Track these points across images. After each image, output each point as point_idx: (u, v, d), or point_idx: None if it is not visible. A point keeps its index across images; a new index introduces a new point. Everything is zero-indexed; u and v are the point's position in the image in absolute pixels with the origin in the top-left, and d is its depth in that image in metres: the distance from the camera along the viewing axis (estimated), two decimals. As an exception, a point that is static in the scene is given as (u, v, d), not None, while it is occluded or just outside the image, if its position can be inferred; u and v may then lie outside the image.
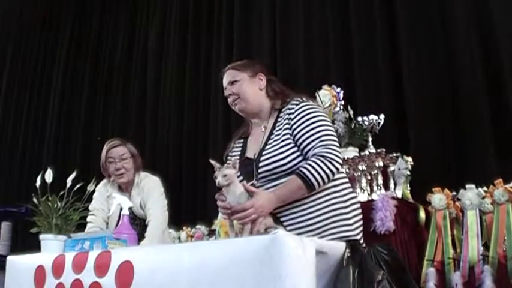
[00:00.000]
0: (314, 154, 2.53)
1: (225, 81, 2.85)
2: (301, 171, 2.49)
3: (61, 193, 2.99)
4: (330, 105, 4.36)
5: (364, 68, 5.10)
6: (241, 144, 2.88)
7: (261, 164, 2.62)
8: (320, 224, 2.53)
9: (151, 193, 3.68)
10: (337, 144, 2.60)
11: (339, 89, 4.51)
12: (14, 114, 8.82)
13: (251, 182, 2.62)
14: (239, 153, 2.84)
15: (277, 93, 2.81)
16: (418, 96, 4.65)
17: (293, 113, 2.65)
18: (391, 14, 5.05)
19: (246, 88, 2.78)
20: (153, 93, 7.09)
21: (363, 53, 5.14)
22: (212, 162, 2.50)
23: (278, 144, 2.62)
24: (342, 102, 4.48)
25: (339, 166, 2.54)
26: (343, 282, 2.05)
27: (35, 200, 3.00)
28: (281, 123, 2.68)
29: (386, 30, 5.05)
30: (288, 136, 2.62)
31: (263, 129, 2.78)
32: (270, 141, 2.67)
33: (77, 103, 8.06)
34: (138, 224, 3.67)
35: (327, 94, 4.39)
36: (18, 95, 8.90)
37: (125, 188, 3.78)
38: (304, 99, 2.73)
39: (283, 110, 2.72)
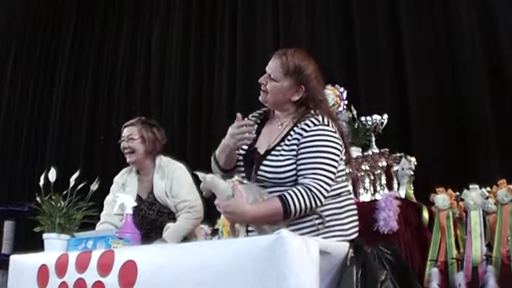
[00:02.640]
0: (302, 183, 2.47)
1: (268, 67, 2.69)
2: (284, 195, 2.43)
3: (64, 192, 2.99)
4: (333, 104, 4.35)
5: (368, 67, 5.09)
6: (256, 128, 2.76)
7: (261, 167, 2.58)
8: (314, 228, 2.49)
9: (182, 184, 3.60)
10: (330, 180, 2.49)
11: (342, 89, 4.50)
12: (17, 113, 8.82)
13: (246, 182, 2.56)
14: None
15: (306, 104, 2.66)
16: (422, 96, 4.65)
17: (306, 132, 2.55)
18: (394, 13, 5.05)
19: (278, 93, 2.64)
20: (157, 93, 7.09)
21: (366, 53, 5.14)
22: (198, 173, 2.48)
23: (284, 156, 2.56)
24: (346, 102, 4.47)
25: (319, 203, 2.45)
26: (347, 282, 2.06)
27: (38, 199, 3.00)
28: (292, 137, 2.58)
29: (390, 30, 5.05)
30: (294, 151, 2.55)
31: (280, 126, 2.69)
32: (278, 148, 2.61)
33: (79, 102, 8.06)
34: (156, 210, 3.62)
35: (330, 94, 4.38)
36: (21, 94, 8.89)
37: (142, 172, 3.74)
38: (325, 120, 2.59)
39: (301, 121, 2.60)
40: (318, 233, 2.46)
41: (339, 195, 2.59)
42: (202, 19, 6.86)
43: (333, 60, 5.40)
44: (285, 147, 2.58)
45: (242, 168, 2.68)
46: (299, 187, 2.45)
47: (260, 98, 2.71)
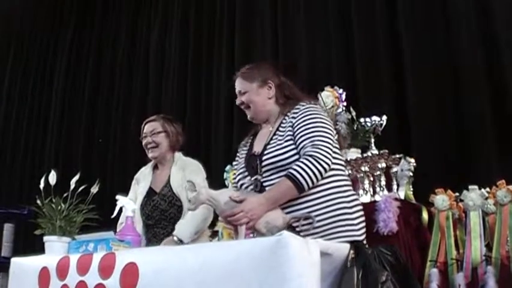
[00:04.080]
0: (304, 154, 2.58)
1: (236, 88, 2.94)
2: (290, 172, 2.54)
3: (65, 195, 3.00)
4: (332, 106, 4.36)
5: (367, 69, 5.10)
6: (249, 143, 2.96)
7: (264, 158, 2.70)
8: (325, 223, 2.56)
9: (195, 175, 3.63)
10: (329, 145, 2.61)
11: (341, 90, 4.50)
12: (16, 115, 8.82)
13: (255, 177, 2.70)
14: (246, 150, 2.94)
15: (288, 98, 2.87)
16: (421, 97, 4.66)
17: (297, 113, 2.72)
18: (393, 15, 5.05)
19: (255, 99, 2.86)
20: (155, 94, 7.09)
21: (365, 54, 5.15)
22: (186, 186, 2.63)
23: (281, 140, 2.69)
24: (345, 104, 4.47)
25: (326, 166, 2.56)
26: (348, 283, 2.07)
27: (38, 201, 3.01)
28: (286, 123, 2.75)
29: (389, 31, 5.06)
30: (290, 135, 2.69)
31: (271, 129, 2.85)
32: (274, 138, 2.75)
33: (78, 104, 8.06)
34: (167, 201, 3.63)
35: (329, 95, 4.39)
36: (20, 96, 8.90)
37: (161, 166, 3.77)
38: (312, 102, 2.82)
39: (290, 111, 2.78)
40: (328, 233, 2.53)
41: (343, 186, 2.68)
42: (201, 20, 6.87)
43: (331, 62, 5.41)
44: (281, 134, 2.73)
45: (246, 173, 2.81)
46: (301, 159, 2.56)
47: (248, 116, 2.94)
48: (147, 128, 3.78)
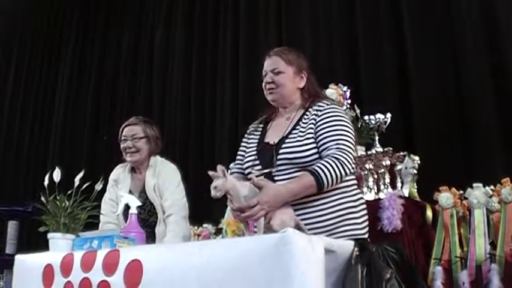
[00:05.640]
0: (328, 155, 2.54)
1: (268, 65, 2.82)
2: (314, 169, 2.50)
3: (69, 192, 2.99)
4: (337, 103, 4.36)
5: (371, 67, 5.11)
6: (261, 129, 2.89)
7: (281, 151, 2.65)
8: (331, 222, 2.56)
9: (168, 181, 3.57)
10: (353, 150, 2.61)
11: (345, 88, 4.50)
12: (20, 113, 8.84)
13: (268, 170, 2.64)
14: (258, 137, 2.86)
15: (311, 95, 2.81)
16: (425, 95, 4.66)
17: (320, 111, 2.68)
18: (397, 13, 5.06)
19: (287, 83, 2.77)
20: (159, 92, 7.10)
21: (369, 52, 5.15)
22: (211, 173, 2.43)
23: (302, 136, 2.65)
24: (349, 101, 4.47)
25: (348, 171, 2.54)
26: (352, 281, 2.06)
27: (43, 198, 3.00)
28: (308, 118, 2.70)
29: (393, 29, 5.07)
30: (312, 132, 2.64)
31: (286, 120, 2.78)
32: (294, 131, 2.69)
33: (83, 101, 8.08)
34: (147, 210, 3.59)
35: (333, 93, 4.38)
36: (25, 94, 8.92)
37: (137, 170, 3.71)
38: (335, 103, 2.80)
39: (312, 106, 2.73)
40: (334, 232, 2.54)
41: (350, 186, 2.67)
42: (205, 18, 6.87)
43: (336, 59, 5.41)
44: (301, 129, 2.68)
45: (257, 162, 2.73)
46: (326, 158, 2.52)
47: (270, 97, 2.82)
48: (127, 131, 3.69)
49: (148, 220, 3.57)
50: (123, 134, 3.70)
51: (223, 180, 2.38)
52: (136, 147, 3.64)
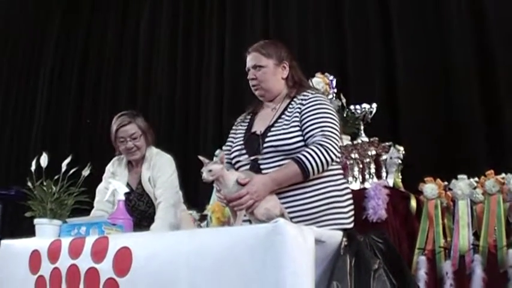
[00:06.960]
0: (313, 142, 2.57)
1: (250, 62, 2.86)
2: (298, 157, 2.53)
3: (56, 177, 2.98)
4: (322, 93, 4.37)
5: (357, 56, 5.11)
6: (248, 120, 2.93)
7: (267, 139, 2.69)
8: (317, 210, 2.59)
9: (161, 171, 3.60)
10: (338, 136, 2.64)
11: (332, 77, 4.51)
12: (3, 97, 8.73)
13: (254, 157, 2.68)
14: (245, 127, 2.90)
15: (295, 82, 2.85)
16: (411, 85, 4.68)
17: (306, 100, 2.72)
18: (384, 2, 5.06)
19: (270, 77, 2.81)
20: (144, 84, 7.04)
21: (356, 42, 5.16)
22: (201, 158, 2.44)
23: (288, 125, 2.68)
24: (335, 90, 4.49)
25: (334, 157, 2.57)
26: (341, 270, 2.08)
27: (29, 184, 2.99)
28: (293, 108, 2.74)
29: (380, 19, 5.08)
30: (297, 120, 2.68)
31: (272, 110, 2.83)
32: (280, 120, 2.73)
33: (66, 86, 7.99)
34: (145, 201, 3.63)
35: (320, 82, 4.39)
36: (8, 78, 8.79)
37: (135, 164, 3.73)
38: (320, 92, 2.87)
39: (297, 96, 2.77)
40: (319, 220, 2.55)
41: (336, 175, 2.70)
42: (190, 10, 6.82)
43: (322, 49, 5.41)
44: (287, 118, 2.72)
45: (244, 151, 2.77)
46: (310, 146, 2.56)
47: (257, 93, 2.88)
48: (123, 133, 3.63)
49: (147, 211, 3.61)
50: (120, 136, 3.65)
51: (220, 167, 2.39)
52: (137, 146, 3.66)
